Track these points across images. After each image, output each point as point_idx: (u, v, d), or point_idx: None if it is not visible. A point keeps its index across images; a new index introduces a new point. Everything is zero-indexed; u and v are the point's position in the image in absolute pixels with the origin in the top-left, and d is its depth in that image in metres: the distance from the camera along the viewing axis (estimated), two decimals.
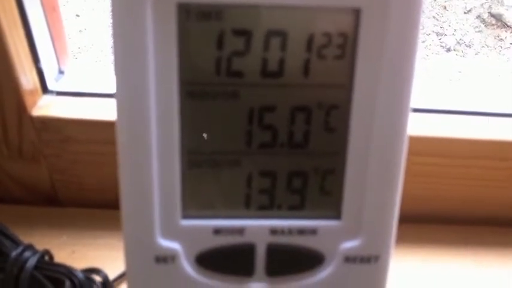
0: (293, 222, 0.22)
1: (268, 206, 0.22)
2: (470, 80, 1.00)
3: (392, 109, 0.20)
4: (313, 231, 0.22)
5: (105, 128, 0.32)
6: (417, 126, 0.33)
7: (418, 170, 0.34)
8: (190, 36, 0.19)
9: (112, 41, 0.19)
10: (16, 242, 0.30)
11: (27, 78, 0.32)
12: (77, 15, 1.08)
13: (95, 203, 0.36)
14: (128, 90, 0.20)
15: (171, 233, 0.22)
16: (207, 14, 0.19)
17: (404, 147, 0.21)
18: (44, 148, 0.34)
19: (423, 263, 0.34)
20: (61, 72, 0.35)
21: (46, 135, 0.34)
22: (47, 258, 0.30)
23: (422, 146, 0.33)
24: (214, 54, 0.20)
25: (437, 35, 1.10)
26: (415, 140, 0.32)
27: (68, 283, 0.27)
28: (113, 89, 0.20)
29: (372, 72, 0.20)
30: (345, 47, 0.20)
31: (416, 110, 0.34)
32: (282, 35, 0.20)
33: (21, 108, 0.33)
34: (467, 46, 1.08)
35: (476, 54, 1.07)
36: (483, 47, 1.09)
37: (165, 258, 0.22)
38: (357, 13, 0.19)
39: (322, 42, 0.20)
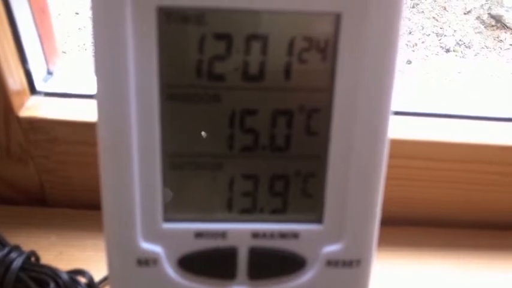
0: (275, 226, 0.22)
1: (250, 210, 0.22)
2: (470, 81, 1.00)
3: (373, 112, 0.20)
4: (295, 235, 0.22)
5: (93, 129, 0.32)
6: (401, 129, 0.33)
7: (401, 173, 0.34)
8: (171, 39, 0.19)
9: (92, 43, 0.19)
10: (2, 243, 0.30)
11: (14, 79, 0.32)
12: (77, 13, 1.08)
13: (83, 203, 0.36)
14: (108, 92, 0.20)
15: (152, 236, 0.22)
16: (188, 18, 0.19)
17: (385, 150, 0.21)
18: (32, 149, 0.34)
19: (406, 266, 0.34)
20: (50, 73, 0.35)
21: (34, 136, 0.34)
22: (33, 259, 0.30)
23: (407, 149, 0.33)
24: (195, 57, 0.20)
25: (437, 36, 1.11)
26: (400, 143, 0.33)
27: (52, 285, 0.27)
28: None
29: (353, 76, 0.20)
30: (326, 50, 0.20)
31: (400, 113, 0.34)
32: (263, 38, 0.20)
33: (8, 109, 0.33)
34: (466, 47, 1.08)
35: (475, 55, 1.07)
36: (483, 48, 1.09)
37: (147, 261, 0.22)
38: (337, 17, 0.19)
39: (303, 46, 0.20)
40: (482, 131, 0.34)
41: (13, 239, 0.31)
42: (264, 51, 0.20)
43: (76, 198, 0.36)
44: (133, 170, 0.20)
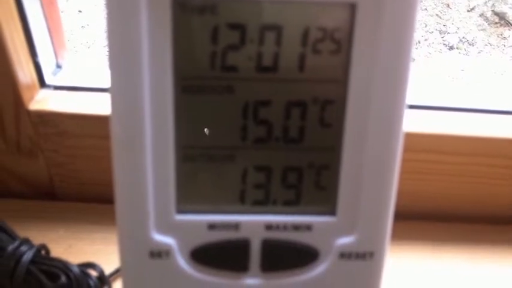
0: (288, 218, 0.22)
1: (263, 201, 0.22)
2: (473, 78, 1.00)
3: (388, 104, 0.20)
4: (308, 227, 0.22)
5: (102, 122, 0.32)
6: (414, 123, 0.33)
7: (413, 167, 0.34)
8: (185, 30, 0.19)
9: (106, 35, 0.19)
10: (13, 237, 0.30)
11: (24, 73, 0.32)
12: (80, 11, 1.08)
13: (92, 197, 0.36)
14: (122, 84, 0.19)
15: (165, 228, 0.21)
16: (202, 8, 0.19)
17: (400, 142, 0.21)
18: (42, 142, 0.34)
19: (419, 260, 0.34)
20: (59, 66, 0.35)
21: (43, 129, 0.34)
22: (43, 252, 0.30)
23: (420, 143, 0.33)
24: (209, 48, 0.20)
25: (440, 33, 1.10)
26: (411, 137, 0.32)
27: (63, 278, 0.27)
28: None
29: (368, 67, 0.20)
30: (341, 41, 0.20)
31: (413, 107, 0.34)
32: (277, 29, 0.19)
33: (18, 102, 0.33)
34: (470, 44, 1.08)
35: (479, 52, 1.07)
36: (486, 45, 1.08)
37: (160, 253, 0.22)
38: (352, 8, 0.19)
39: (317, 36, 0.20)
40: (492, 124, 0.34)
41: (23, 232, 0.31)
42: (278, 41, 0.20)
43: (85, 191, 0.36)
44: (147, 162, 0.20)
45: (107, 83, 0.19)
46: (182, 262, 0.22)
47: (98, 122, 0.33)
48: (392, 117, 0.20)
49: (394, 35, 0.19)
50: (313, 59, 0.20)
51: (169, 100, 0.20)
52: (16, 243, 0.29)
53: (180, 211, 0.21)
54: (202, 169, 0.21)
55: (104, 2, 0.19)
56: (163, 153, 0.21)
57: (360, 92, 0.20)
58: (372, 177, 0.21)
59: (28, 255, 0.28)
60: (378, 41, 0.19)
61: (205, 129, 0.21)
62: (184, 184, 0.21)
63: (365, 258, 0.22)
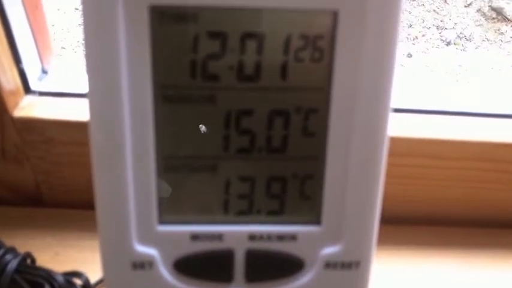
0: (272, 228, 0.21)
1: (247, 211, 0.22)
2: (470, 74, 1.00)
3: (372, 112, 0.20)
4: (292, 237, 0.21)
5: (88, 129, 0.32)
6: (401, 127, 0.33)
7: (401, 171, 0.34)
8: (164, 39, 0.19)
9: (84, 42, 0.19)
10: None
11: (7, 79, 0.32)
12: (76, 9, 1.08)
13: (79, 204, 0.35)
14: (101, 93, 0.19)
15: (147, 238, 0.21)
16: (181, 17, 0.19)
17: (384, 150, 0.21)
18: (27, 149, 0.34)
19: (406, 265, 0.34)
20: (44, 71, 0.35)
21: (29, 136, 0.33)
22: (28, 261, 0.30)
23: (407, 147, 0.33)
24: (189, 57, 0.19)
25: (437, 29, 1.10)
26: (399, 141, 0.32)
27: (47, 287, 0.27)
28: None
29: (351, 75, 0.19)
30: (323, 49, 0.19)
31: (400, 111, 0.33)
32: (259, 37, 0.19)
33: (2, 109, 0.32)
34: (467, 40, 1.08)
35: (476, 48, 1.07)
36: (483, 40, 1.08)
37: (142, 264, 0.21)
38: (334, 15, 0.19)
39: (299, 44, 0.19)
40: (482, 129, 0.34)
41: (9, 239, 0.31)
42: (259, 50, 0.19)
43: (72, 198, 0.36)
44: (127, 172, 0.20)
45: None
46: (165, 273, 0.22)
47: (84, 129, 0.32)
48: (377, 124, 0.20)
49: (377, 42, 0.19)
50: (295, 67, 0.20)
51: (150, 109, 0.20)
52: (1, 252, 0.29)
53: (163, 222, 0.21)
54: (184, 179, 0.21)
55: (81, 10, 0.18)
56: (144, 163, 0.20)
57: (343, 99, 0.20)
58: (357, 186, 0.21)
59: (13, 265, 0.28)
60: (360, 48, 0.19)
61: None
62: (170, 195, 0.21)
63: (351, 268, 0.22)
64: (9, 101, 0.32)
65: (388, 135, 0.20)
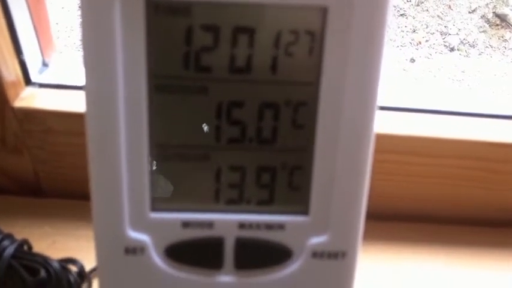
0: (261, 217, 0.22)
1: (237, 200, 0.22)
2: (473, 81, 1.00)
3: (359, 106, 0.21)
4: (281, 226, 0.22)
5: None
6: (387, 124, 0.33)
7: (387, 168, 0.34)
8: (159, 31, 0.20)
9: (81, 33, 0.19)
10: None
11: (8, 70, 0.32)
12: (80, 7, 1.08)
13: (77, 193, 0.36)
14: (97, 83, 0.20)
15: (140, 225, 0.22)
16: (175, 10, 0.19)
17: (371, 143, 0.21)
18: (27, 139, 0.35)
19: (393, 261, 0.34)
20: (45, 64, 0.36)
21: (28, 126, 0.34)
22: (25, 247, 0.31)
23: (397, 144, 0.33)
24: (182, 49, 0.20)
25: (441, 34, 1.10)
26: (388, 138, 0.33)
27: (43, 272, 0.28)
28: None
29: (339, 70, 0.20)
30: (312, 44, 0.20)
31: (386, 108, 0.34)
32: (250, 31, 0.20)
33: (3, 99, 0.33)
34: (471, 46, 1.08)
35: (480, 54, 1.07)
36: (487, 47, 1.09)
37: (135, 250, 0.22)
38: (324, 11, 0.20)
39: (289, 39, 0.20)
40: (464, 127, 0.34)
41: (7, 228, 0.31)
42: (251, 43, 0.20)
43: (70, 188, 0.36)
44: (121, 160, 0.21)
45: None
46: (157, 259, 0.22)
47: (83, 120, 0.33)
48: (364, 118, 0.21)
49: (365, 38, 0.20)
50: (285, 61, 0.20)
51: (144, 99, 0.20)
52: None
53: (155, 209, 0.22)
54: (176, 168, 0.22)
55: (78, 2, 0.19)
56: (138, 152, 0.21)
57: (331, 93, 0.21)
58: (344, 177, 0.21)
59: (10, 250, 0.29)
60: (349, 44, 0.20)
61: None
62: (162, 183, 0.22)
63: (337, 258, 0.22)
64: (10, 92, 0.33)
65: (374, 130, 0.21)
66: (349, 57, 0.20)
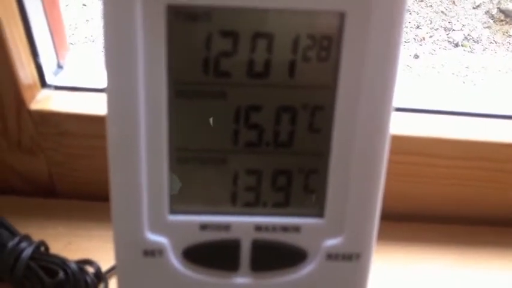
0: (277, 220, 0.22)
1: (253, 203, 0.22)
2: (477, 76, 1.00)
3: (375, 110, 0.21)
4: (296, 229, 0.22)
5: (101, 122, 0.33)
6: (405, 126, 0.34)
7: (406, 169, 0.34)
8: (179, 36, 0.20)
9: (103, 38, 0.20)
10: (13, 233, 0.31)
11: (25, 73, 0.33)
12: (84, 5, 1.09)
13: (91, 195, 0.36)
14: (118, 87, 0.20)
15: (159, 227, 0.22)
16: (196, 16, 0.20)
17: (386, 147, 0.21)
18: (42, 141, 0.35)
19: (406, 261, 0.35)
20: (60, 66, 0.36)
21: (44, 128, 0.34)
22: (42, 249, 0.31)
23: (410, 146, 0.33)
24: (202, 54, 0.20)
25: (445, 30, 1.10)
26: (400, 139, 0.33)
27: (61, 274, 0.28)
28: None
29: (356, 74, 0.20)
30: (330, 49, 0.20)
31: (401, 110, 0.34)
32: (268, 36, 0.20)
33: (19, 102, 0.33)
34: (475, 42, 1.08)
35: (484, 50, 1.07)
36: (491, 42, 1.08)
37: (153, 252, 0.22)
38: (341, 16, 0.20)
39: (307, 44, 0.20)
40: (481, 128, 0.34)
41: (23, 229, 0.32)
42: (269, 49, 0.20)
43: (84, 190, 0.37)
44: (141, 163, 0.21)
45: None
46: (175, 261, 0.23)
47: (97, 122, 0.34)
48: (380, 122, 0.21)
49: (381, 42, 0.20)
50: (303, 65, 0.21)
51: (164, 104, 0.21)
52: (16, 240, 0.30)
53: (173, 211, 0.22)
54: (195, 171, 0.22)
55: (100, 8, 0.19)
56: (157, 155, 0.21)
57: (348, 98, 0.21)
58: (359, 181, 0.22)
59: (28, 252, 0.29)
60: (365, 48, 0.20)
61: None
62: (180, 186, 0.22)
63: (352, 259, 0.23)
64: (26, 95, 0.33)
65: (390, 133, 0.21)
66: (366, 61, 0.20)
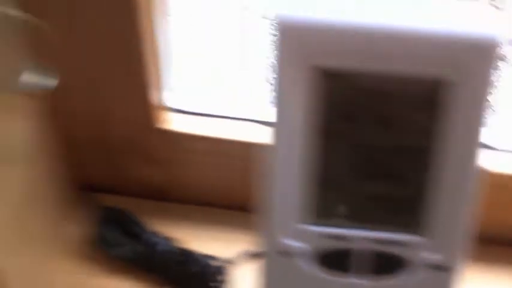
0: (387, 235, 0.29)
1: (369, 220, 0.29)
2: None
3: (466, 149, 0.27)
4: (401, 243, 0.29)
5: (216, 143, 0.40)
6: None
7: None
8: (325, 92, 0.26)
9: (275, 99, 0.26)
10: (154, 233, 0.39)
11: (155, 95, 0.39)
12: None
13: (203, 201, 0.43)
14: (281, 129, 0.27)
15: (294, 234, 0.29)
16: (337, 76, 0.26)
17: (475, 177, 0.27)
18: (164, 156, 0.42)
19: (494, 283, 0.39)
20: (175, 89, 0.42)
21: (167, 145, 0.41)
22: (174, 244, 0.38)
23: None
24: (339, 107, 0.27)
25: None
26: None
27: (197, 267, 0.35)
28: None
29: (455, 133, 0.26)
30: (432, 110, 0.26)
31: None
32: (392, 96, 0.26)
33: (149, 122, 0.40)
34: None
35: None
36: None
37: (287, 254, 0.29)
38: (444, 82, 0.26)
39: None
40: None
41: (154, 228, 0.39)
42: (389, 109, 0.26)
43: (197, 196, 0.44)
44: (286, 184, 0.28)
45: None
46: (303, 263, 0.29)
47: (212, 143, 0.40)
48: (469, 157, 0.27)
49: (473, 105, 0.26)
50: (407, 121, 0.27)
51: (310, 142, 0.27)
52: (151, 236, 0.37)
53: (305, 222, 0.29)
54: (323, 193, 0.28)
55: (274, 75, 0.26)
56: (296, 179, 0.28)
57: (446, 143, 0.27)
58: (454, 206, 0.28)
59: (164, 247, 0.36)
60: (463, 110, 0.26)
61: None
62: (310, 201, 0.28)
63: (445, 271, 0.29)
64: (154, 116, 0.40)
65: (477, 169, 0.27)
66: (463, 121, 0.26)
